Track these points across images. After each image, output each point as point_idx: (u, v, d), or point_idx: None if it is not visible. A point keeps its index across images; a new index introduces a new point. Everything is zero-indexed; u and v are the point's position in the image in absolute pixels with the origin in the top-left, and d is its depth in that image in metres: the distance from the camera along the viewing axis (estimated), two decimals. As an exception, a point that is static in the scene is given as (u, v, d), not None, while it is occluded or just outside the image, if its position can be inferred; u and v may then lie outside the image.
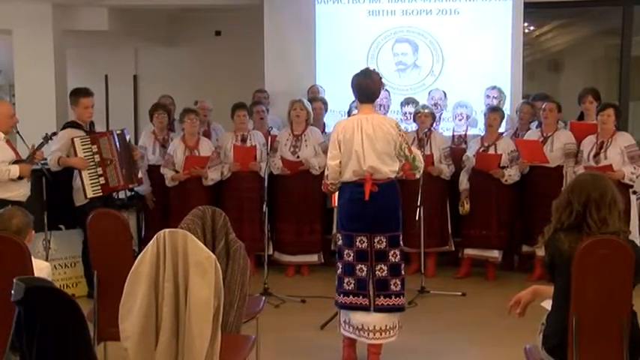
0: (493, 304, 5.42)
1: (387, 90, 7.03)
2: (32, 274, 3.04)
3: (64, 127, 5.86)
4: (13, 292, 2.36)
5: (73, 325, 2.41)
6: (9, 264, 3.05)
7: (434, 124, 6.50)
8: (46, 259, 5.41)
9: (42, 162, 5.55)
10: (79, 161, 5.60)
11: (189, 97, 7.71)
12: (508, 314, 3.15)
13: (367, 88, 4.25)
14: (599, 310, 2.84)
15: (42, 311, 2.35)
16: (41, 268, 3.38)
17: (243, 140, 6.55)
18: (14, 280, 2.39)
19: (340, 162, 4.19)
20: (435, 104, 6.87)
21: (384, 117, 4.59)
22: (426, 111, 6.41)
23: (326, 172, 4.35)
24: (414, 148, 4.42)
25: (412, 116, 6.60)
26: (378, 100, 6.72)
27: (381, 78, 4.34)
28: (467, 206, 6.32)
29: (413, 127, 6.62)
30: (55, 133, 5.64)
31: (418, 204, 5.68)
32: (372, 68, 4.46)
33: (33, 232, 3.64)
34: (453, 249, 6.53)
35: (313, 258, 6.59)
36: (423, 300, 5.71)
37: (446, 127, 7.04)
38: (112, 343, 3.77)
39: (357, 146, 4.12)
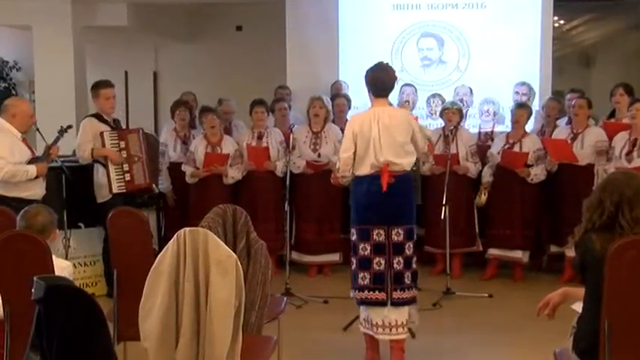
0: (521, 306, 5.37)
1: (413, 86, 7.02)
2: (53, 274, 3.08)
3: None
4: (33, 290, 2.39)
5: (93, 324, 2.43)
6: (30, 262, 3.08)
7: (461, 122, 6.47)
8: (66, 258, 5.46)
9: (62, 159, 5.60)
10: (113, 153, 5.64)
11: (210, 94, 7.75)
12: (537, 316, 3.12)
13: (383, 81, 4.30)
14: (632, 312, 2.81)
15: (62, 310, 2.38)
16: (62, 267, 3.41)
17: (260, 138, 6.55)
18: (34, 279, 2.41)
19: (353, 154, 4.22)
20: (461, 100, 6.83)
21: (398, 108, 4.64)
22: (454, 108, 6.38)
23: (337, 165, 4.37)
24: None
25: (439, 112, 6.58)
26: (405, 96, 6.78)
27: (394, 72, 4.40)
28: (484, 197, 6.26)
29: (439, 123, 6.59)
30: (70, 126, 5.63)
31: (444, 202, 5.66)
32: (385, 62, 4.50)
33: (57, 230, 3.67)
34: (481, 249, 6.50)
35: (335, 257, 6.58)
36: (449, 301, 5.68)
37: (472, 124, 7.00)
38: (132, 343, 3.80)
39: (374, 138, 4.15)
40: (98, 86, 5.84)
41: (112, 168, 5.65)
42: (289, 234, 6.21)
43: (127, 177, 5.68)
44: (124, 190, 5.68)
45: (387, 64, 4.45)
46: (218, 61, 9.70)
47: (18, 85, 9.70)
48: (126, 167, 5.68)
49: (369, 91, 4.39)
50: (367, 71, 4.35)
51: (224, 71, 9.52)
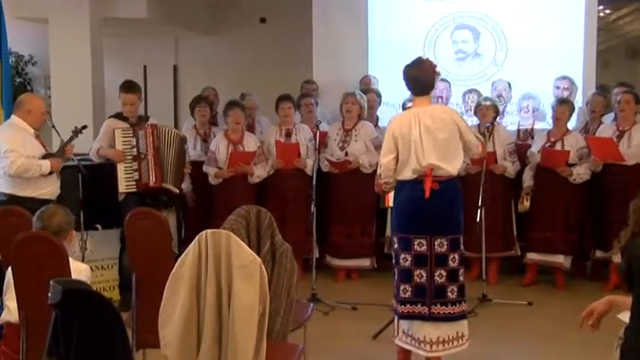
0: (563, 315, 5.33)
1: (447, 81, 6.99)
2: (70, 277, 3.11)
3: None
4: (49, 294, 2.42)
5: (112, 330, 2.46)
6: (46, 265, 3.13)
7: (497, 118, 6.42)
8: (82, 261, 5.51)
9: (78, 157, 5.66)
10: (116, 153, 5.70)
11: (232, 89, 7.78)
12: (580, 326, 3.08)
13: (418, 79, 4.23)
14: (684, 323, 2.76)
15: (79, 315, 2.41)
16: (80, 270, 3.44)
17: (288, 135, 6.55)
18: (51, 282, 2.45)
19: (394, 158, 4.18)
20: (499, 96, 6.79)
21: (442, 106, 4.55)
22: (488, 103, 6.33)
23: (379, 171, 4.35)
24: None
25: (474, 109, 6.54)
26: (437, 91, 6.74)
27: (434, 66, 4.29)
28: (526, 204, 6.21)
29: (475, 120, 6.56)
30: (85, 127, 5.67)
31: (480, 204, 5.62)
32: (424, 57, 4.44)
33: (73, 232, 3.71)
34: (519, 254, 6.45)
35: (365, 262, 6.57)
36: (485, 309, 5.64)
37: (511, 121, 6.95)
38: (152, 350, 3.83)
39: (415, 141, 4.09)
40: (120, 89, 5.92)
41: (120, 167, 5.69)
42: (316, 236, 6.21)
43: (136, 176, 5.72)
44: (135, 190, 5.71)
45: (424, 59, 4.35)
46: (241, 54, 9.74)
47: (33, 80, 9.82)
48: (135, 166, 5.72)
49: (408, 90, 4.35)
50: (404, 68, 4.28)
51: (247, 65, 9.55)
